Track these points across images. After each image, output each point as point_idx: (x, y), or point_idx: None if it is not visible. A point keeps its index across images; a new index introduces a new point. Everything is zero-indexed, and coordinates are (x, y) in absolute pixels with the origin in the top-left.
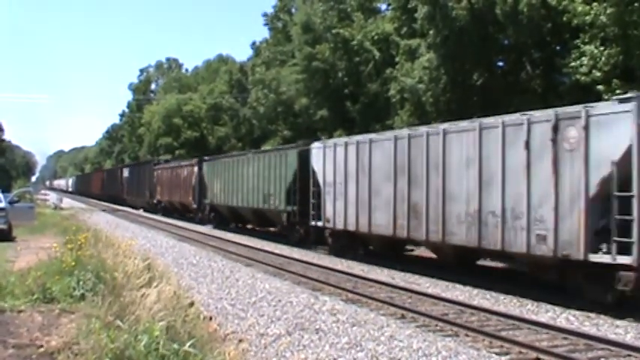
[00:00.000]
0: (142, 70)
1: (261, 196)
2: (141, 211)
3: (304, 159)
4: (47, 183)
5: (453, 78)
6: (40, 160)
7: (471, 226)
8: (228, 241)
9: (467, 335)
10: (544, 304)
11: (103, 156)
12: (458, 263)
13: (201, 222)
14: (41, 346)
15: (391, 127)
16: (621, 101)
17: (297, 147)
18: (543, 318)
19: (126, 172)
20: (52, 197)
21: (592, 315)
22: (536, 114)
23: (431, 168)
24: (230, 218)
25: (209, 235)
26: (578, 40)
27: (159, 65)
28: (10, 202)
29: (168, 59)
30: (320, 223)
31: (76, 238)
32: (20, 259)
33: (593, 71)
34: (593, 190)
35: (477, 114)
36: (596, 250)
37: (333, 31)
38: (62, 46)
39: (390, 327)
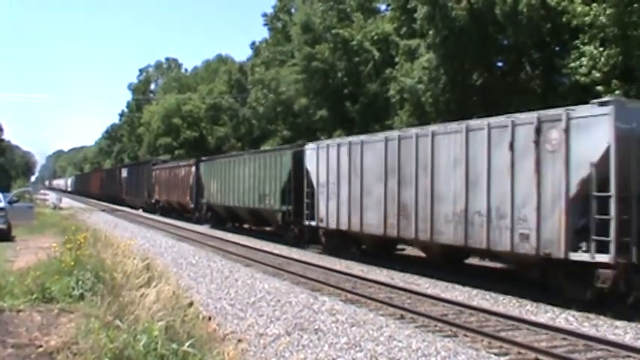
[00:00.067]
0: (141, 70)
1: (257, 196)
2: (140, 211)
3: (299, 160)
4: (46, 183)
5: (453, 78)
6: (40, 160)
7: (458, 226)
8: (227, 241)
9: (466, 335)
10: (543, 304)
11: (103, 156)
12: (446, 262)
13: (199, 221)
14: (40, 345)
15: (391, 127)
16: (600, 104)
17: (291, 148)
18: (542, 318)
19: (124, 172)
20: (51, 197)
21: (591, 316)
22: (521, 116)
23: (420, 169)
24: (227, 218)
25: (208, 235)
26: (577, 41)
27: (158, 65)
28: (10, 202)
29: (167, 59)
30: (314, 223)
31: (75, 238)
32: (19, 258)
33: (593, 72)
34: (573, 191)
35: (476, 114)
36: (576, 249)
37: (333, 31)
38: (62, 46)
39: (389, 327)
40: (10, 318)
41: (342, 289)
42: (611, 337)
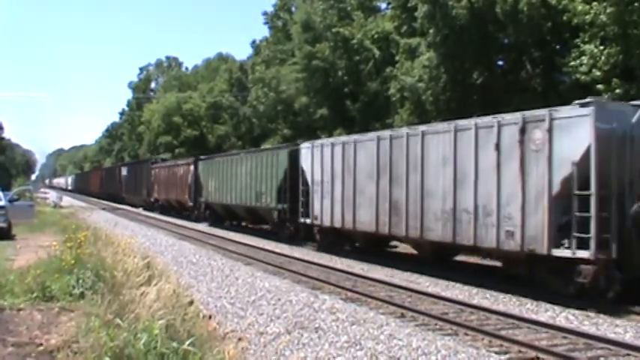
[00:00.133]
0: (141, 69)
1: (254, 194)
2: (140, 210)
3: (294, 159)
4: (47, 181)
5: (453, 77)
6: (40, 159)
7: (446, 223)
8: (228, 239)
9: (466, 334)
10: (543, 303)
11: (103, 154)
12: (436, 259)
13: (197, 220)
14: (41, 344)
15: (391, 126)
16: (581, 106)
17: (287, 147)
18: (543, 317)
19: (124, 171)
20: (51, 195)
21: (591, 314)
22: (507, 117)
23: (410, 167)
24: (224, 216)
25: (208, 234)
26: (578, 40)
27: (159, 64)
28: (10, 201)
29: (168, 58)
30: (309, 220)
31: (76, 237)
32: (20, 257)
33: (593, 70)
34: (555, 189)
35: (476, 113)
36: (558, 245)
37: (333, 29)
38: (62, 45)
39: (390, 326)
40: (11, 316)
41: (343, 288)
42: (612, 336)
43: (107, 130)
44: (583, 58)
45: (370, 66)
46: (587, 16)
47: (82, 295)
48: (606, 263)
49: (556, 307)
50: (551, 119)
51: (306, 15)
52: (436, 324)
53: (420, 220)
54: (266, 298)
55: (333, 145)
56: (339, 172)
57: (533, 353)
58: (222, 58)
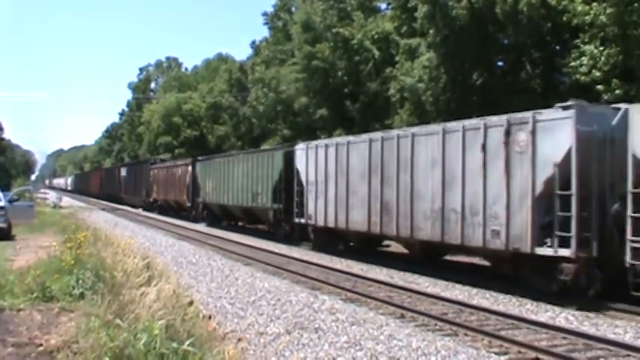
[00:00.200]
0: (141, 69)
1: (250, 194)
2: (140, 210)
3: (289, 160)
4: (46, 182)
5: (453, 77)
6: (40, 159)
7: (435, 222)
8: (226, 239)
9: (466, 335)
10: (543, 303)
11: (103, 155)
12: (425, 257)
13: (195, 220)
14: (40, 344)
15: (391, 127)
16: (563, 108)
17: (282, 148)
18: (542, 317)
19: (123, 172)
20: (51, 196)
21: (591, 315)
22: (493, 119)
23: (401, 168)
24: (221, 216)
25: (207, 234)
26: (577, 40)
27: (158, 64)
28: (10, 201)
29: (167, 58)
30: (303, 220)
31: (76, 237)
32: (19, 257)
33: (593, 71)
34: (539, 189)
35: (476, 113)
36: (541, 244)
37: (333, 30)
38: (62, 45)
39: (389, 326)
40: (11, 317)
41: (342, 288)
42: (611, 336)
43: (107, 131)
44: (583, 58)
45: (370, 66)
46: (586, 17)
47: (81, 296)
48: (587, 261)
49: (556, 308)
50: (535, 121)
51: (306, 15)
52: (436, 324)
53: (410, 220)
54: (266, 299)
55: (327, 146)
56: (333, 173)
57: (533, 354)
58: (222, 59)
